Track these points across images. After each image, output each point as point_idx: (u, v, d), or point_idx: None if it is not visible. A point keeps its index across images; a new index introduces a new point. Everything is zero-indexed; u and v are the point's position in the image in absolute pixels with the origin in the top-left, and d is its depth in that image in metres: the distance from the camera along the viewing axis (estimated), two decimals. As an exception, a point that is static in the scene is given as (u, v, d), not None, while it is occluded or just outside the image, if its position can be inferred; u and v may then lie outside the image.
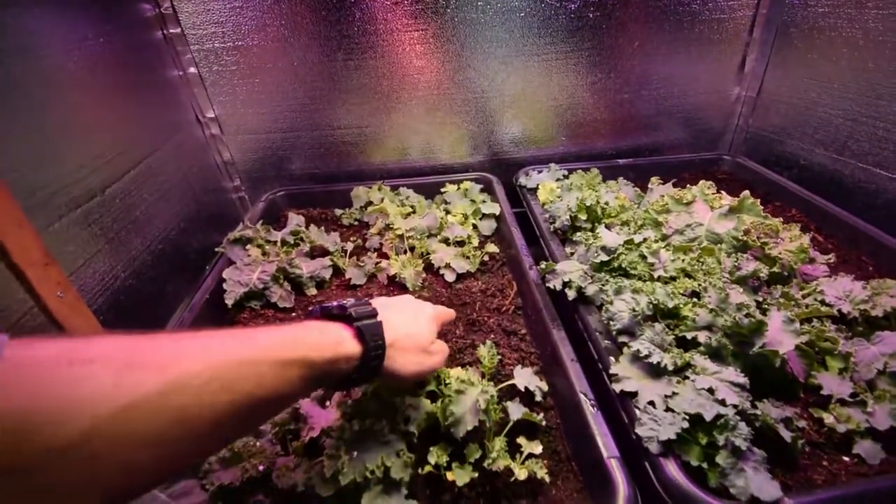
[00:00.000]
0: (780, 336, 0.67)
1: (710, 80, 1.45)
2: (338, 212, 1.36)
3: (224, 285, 0.98)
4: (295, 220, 1.22)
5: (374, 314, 0.58)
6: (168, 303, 1.09)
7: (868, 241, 1.00)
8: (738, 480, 0.53)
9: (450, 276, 1.06)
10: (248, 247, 1.08)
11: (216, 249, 1.10)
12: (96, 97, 0.95)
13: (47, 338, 0.34)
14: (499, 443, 0.64)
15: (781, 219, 0.98)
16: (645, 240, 0.84)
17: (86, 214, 0.85)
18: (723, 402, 0.59)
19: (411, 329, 0.61)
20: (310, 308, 0.78)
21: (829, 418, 0.64)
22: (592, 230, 0.97)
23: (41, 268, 0.74)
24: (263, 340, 0.46)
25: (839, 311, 0.75)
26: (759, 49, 1.38)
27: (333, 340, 0.52)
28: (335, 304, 0.59)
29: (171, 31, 1.22)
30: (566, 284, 0.85)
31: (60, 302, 0.77)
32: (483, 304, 0.99)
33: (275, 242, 1.13)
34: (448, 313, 0.72)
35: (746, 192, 0.89)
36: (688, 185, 1.12)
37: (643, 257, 0.81)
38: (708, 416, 0.57)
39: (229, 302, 0.96)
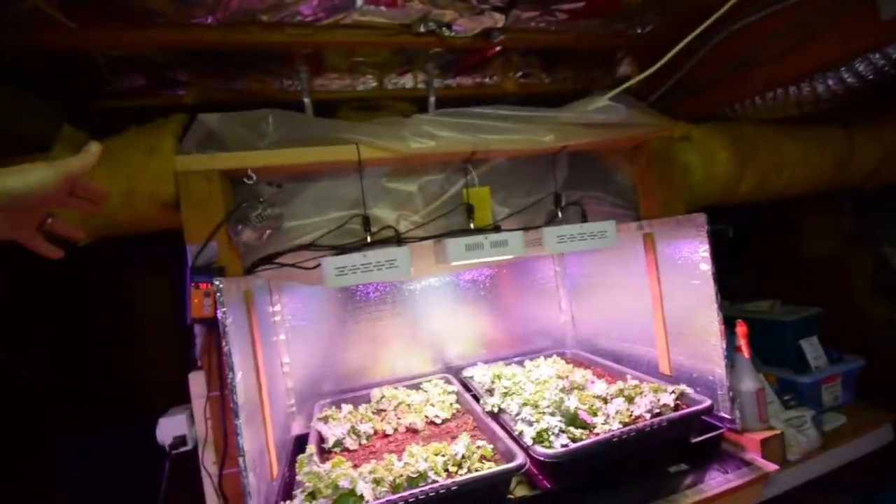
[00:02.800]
0: (572, 404, 1.75)
1: (549, 314, 2.88)
2: (363, 405, 2.32)
3: (323, 435, 1.86)
4: (346, 408, 2.16)
5: None
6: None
7: (623, 375, 2.21)
8: (555, 443, 1.53)
9: (438, 420, 2.02)
10: (329, 419, 1.99)
11: (311, 425, 1.99)
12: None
13: None
14: (476, 456, 1.56)
15: (591, 370, 2.18)
16: (520, 381, 1.97)
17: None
18: (551, 424, 1.62)
19: None
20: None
21: (596, 429, 1.67)
22: (497, 383, 2.09)
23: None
24: None
25: (600, 396, 1.86)
26: (565, 298, 2.88)
27: None
28: None
29: (276, 318, 2.41)
30: (493, 406, 1.89)
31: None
32: (457, 430, 1.95)
33: (338, 418, 2.05)
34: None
35: (555, 356, 2.12)
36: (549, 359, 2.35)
37: (520, 387, 1.92)
38: (544, 427, 1.59)
39: (326, 446, 1.83)
